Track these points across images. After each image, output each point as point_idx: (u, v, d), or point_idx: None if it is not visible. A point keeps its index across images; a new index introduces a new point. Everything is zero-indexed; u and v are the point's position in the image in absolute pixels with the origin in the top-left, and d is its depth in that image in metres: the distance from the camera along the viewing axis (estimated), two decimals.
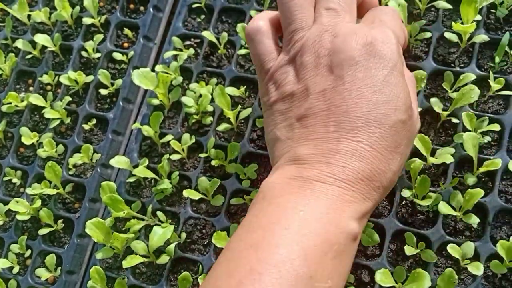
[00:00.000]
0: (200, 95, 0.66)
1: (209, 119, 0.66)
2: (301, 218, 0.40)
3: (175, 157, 0.65)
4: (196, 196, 0.60)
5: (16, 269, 0.68)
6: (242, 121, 0.66)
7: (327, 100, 0.44)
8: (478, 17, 0.60)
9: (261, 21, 0.51)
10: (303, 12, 0.48)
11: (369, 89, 0.43)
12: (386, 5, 0.60)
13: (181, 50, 0.71)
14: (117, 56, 0.74)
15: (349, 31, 0.45)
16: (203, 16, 0.74)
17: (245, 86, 0.67)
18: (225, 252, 0.43)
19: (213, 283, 0.41)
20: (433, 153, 0.56)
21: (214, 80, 0.69)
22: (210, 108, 0.66)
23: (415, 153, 0.57)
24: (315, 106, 0.45)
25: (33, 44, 0.78)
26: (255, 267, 0.38)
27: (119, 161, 0.64)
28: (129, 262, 0.58)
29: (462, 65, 0.61)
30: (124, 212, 0.60)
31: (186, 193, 0.60)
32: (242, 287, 0.38)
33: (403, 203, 0.57)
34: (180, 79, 0.69)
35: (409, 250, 0.53)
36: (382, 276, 0.52)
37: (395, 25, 0.48)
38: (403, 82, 0.45)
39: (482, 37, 0.59)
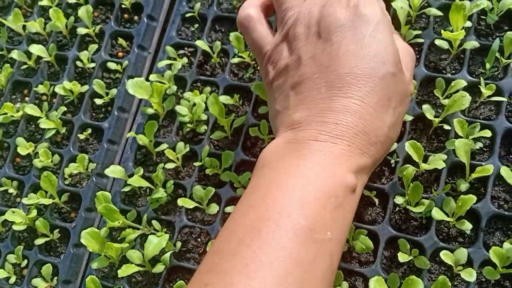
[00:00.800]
0: (194, 104, 0.67)
1: (203, 128, 0.67)
2: (297, 175, 0.41)
3: (170, 166, 0.65)
4: (190, 204, 0.60)
5: (12, 279, 0.68)
6: (236, 129, 0.66)
7: (317, 64, 0.45)
8: (469, 24, 0.60)
9: (251, 8, 0.53)
10: None
11: (356, 46, 0.44)
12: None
13: (175, 59, 0.72)
14: (112, 65, 0.74)
15: None
16: (196, 25, 0.74)
17: (238, 95, 0.67)
18: (230, 215, 0.44)
19: (217, 246, 0.42)
20: (425, 160, 0.56)
21: (208, 88, 0.69)
22: (204, 117, 0.67)
23: (408, 159, 0.57)
24: (307, 71, 0.46)
25: (28, 54, 0.78)
26: (254, 224, 0.40)
27: (114, 171, 0.64)
28: (124, 271, 0.58)
29: (453, 71, 0.61)
30: (119, 222, 0.60)
31: (180, 202, 0.60)
32: (243, 244, 0.39)
33: (396, 209, 0.58)
34: (175, 88, 0.70)
35: (402, 257, 0.54)
36: (376, 283, 0.52)
37: None
38: (391, 37, 0.46)
39: (472, 43, 0.60)
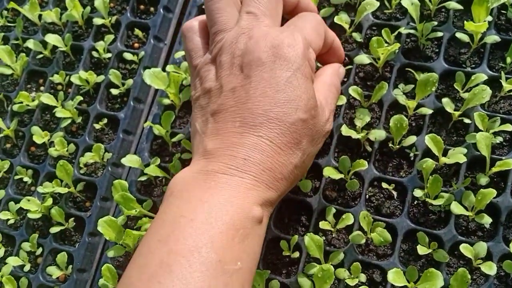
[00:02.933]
0: None
1: None
2: (205, 209, 0.43)
3: (186, 156, 0.65)
4: None
5: (27, 267, 0.68)
6: None
7: (236, 97, 0.48)
8: (489, 18, 0.60)
9: (195, 21, 0.55)
10: (224, 15, 0.51)
11: (272, 89, 0.47)
12: (399, 3, 0.61)
13: None
14: (128, 56, 0.74)
15: (262, 34, 0.49)
16: None
17: None
18: (138, 249, 0.45)
19: (127, 281, 0.42)
20: (444, 154, 0.56)
21: None
22: None
23: (427, 153, 0.57)
24: (226, 102, 0.48)
25: (44, 44, 0.78)
26: (165, 259, 0.41)
27: (130, 160, 0.64)
28: None
29: (473, 65, 0.61)
30: (136, 211, 0.60)
31: None
32: (154, 281, 0.40)
33: (415, 203, 0.58)
34: None
35: (422, 250, 0.53)
36: (395, 275, 0.52)
37: (309, 31, 0.50)
38: (307, 84, 0.48)
39: (493, 37, 0.60)
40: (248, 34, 0.49)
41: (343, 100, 0.60)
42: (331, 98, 0.53)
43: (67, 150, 0.71)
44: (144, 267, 0.41)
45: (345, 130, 0.58)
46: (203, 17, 0.55)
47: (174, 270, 0.40)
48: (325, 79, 0.54)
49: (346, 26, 0.64)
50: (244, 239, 0.43)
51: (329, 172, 0.57)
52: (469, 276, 0.49)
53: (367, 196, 0.59)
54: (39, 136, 0.72)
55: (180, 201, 0.45)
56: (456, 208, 0.53)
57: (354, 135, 0.58)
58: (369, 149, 0.60)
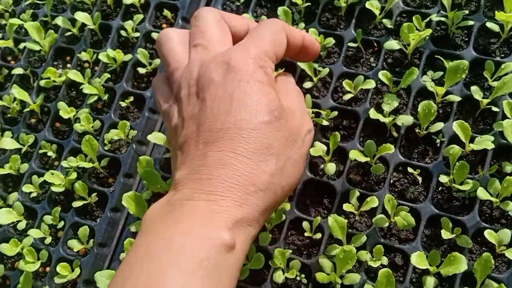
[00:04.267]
0: None
1: None
2: (166, 246, 0.41)
3: None
4: None
5: (48, 240, 0.69)
6: None
7: (196, 123, 0.47)
8: None
9: (161, 74, 0.56)
10: (175, 53, 0.53)
11: (226, 102, 0.46)
12: None
13: None
14: (156, 36, 0.75)
15: (210, 58, 0.49)
16: (242, 0, 0.75)
17: (283, 69, 0.67)
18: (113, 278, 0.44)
19: None
20: (470, 141, 0.56)
21: None
22: None
23: (454, 139, 0.57)
24: (189, 131, 0.48)
25: (73, 22, 0.79)
26: None
27: (156, 137, 0.65)
28: None
29: (502, 55, 0.61)
30: (160, 186, 0.61)
31: None
32: None
33: (440, 189, 0.58)
34: None
35: (445, 234, 0.53)
36: (418, 258, 0.52)
37: (265, 41, 0.50)
38: (263, 88, 0.47)
39: None
40: (199, 63, 0.50)
41: (371, 84, 0.60)
42: (298, 99, 0.53)
43: (92, 127, 0.72)
44: None
45: (373, 113, 0.58)
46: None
47: None
48: (283, 86, 0.54)
49: (377, 12, 0.64)
50: (208, 274, 0.40)
51: (355, 155, 0.57)
52: (493, 262, 0.49)
53: (391, 181, 0.59)
54: (65, 111, 0.73)
55: (146, 238, 0.44)
56: (482, 194, 0.53)
57: (382, 118, 0.58)
58: (395, 134, 0.60)
